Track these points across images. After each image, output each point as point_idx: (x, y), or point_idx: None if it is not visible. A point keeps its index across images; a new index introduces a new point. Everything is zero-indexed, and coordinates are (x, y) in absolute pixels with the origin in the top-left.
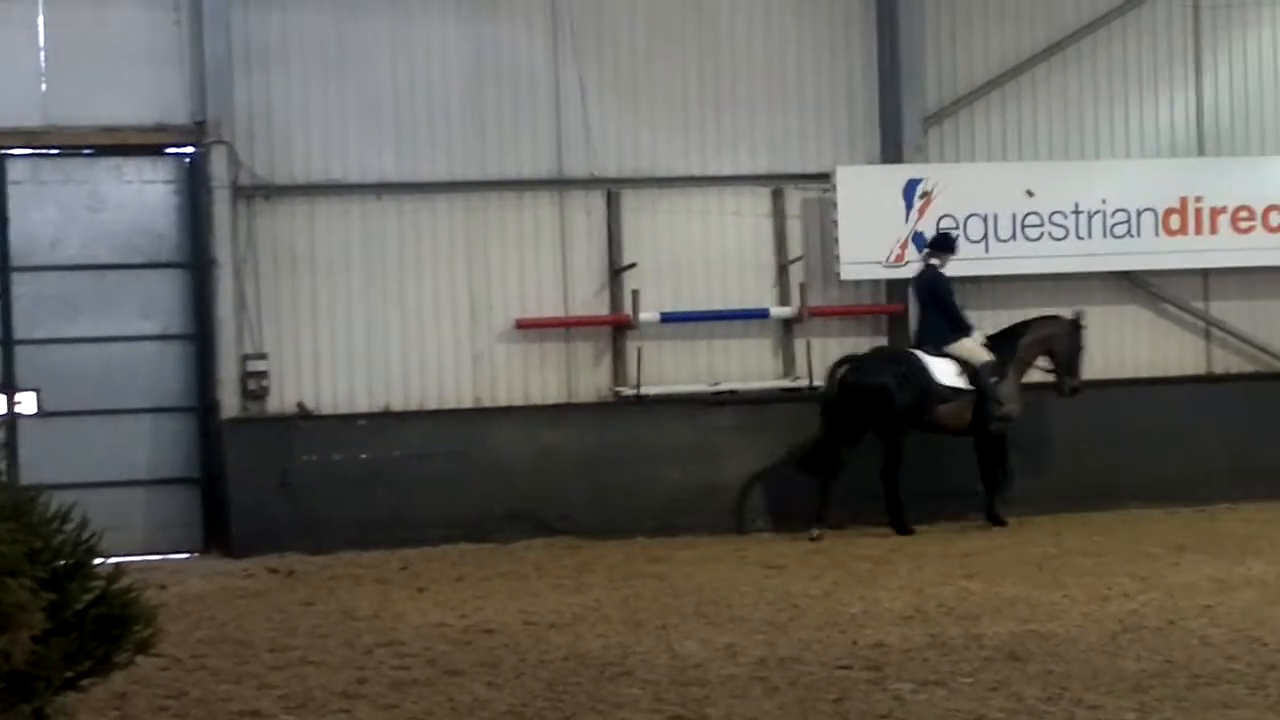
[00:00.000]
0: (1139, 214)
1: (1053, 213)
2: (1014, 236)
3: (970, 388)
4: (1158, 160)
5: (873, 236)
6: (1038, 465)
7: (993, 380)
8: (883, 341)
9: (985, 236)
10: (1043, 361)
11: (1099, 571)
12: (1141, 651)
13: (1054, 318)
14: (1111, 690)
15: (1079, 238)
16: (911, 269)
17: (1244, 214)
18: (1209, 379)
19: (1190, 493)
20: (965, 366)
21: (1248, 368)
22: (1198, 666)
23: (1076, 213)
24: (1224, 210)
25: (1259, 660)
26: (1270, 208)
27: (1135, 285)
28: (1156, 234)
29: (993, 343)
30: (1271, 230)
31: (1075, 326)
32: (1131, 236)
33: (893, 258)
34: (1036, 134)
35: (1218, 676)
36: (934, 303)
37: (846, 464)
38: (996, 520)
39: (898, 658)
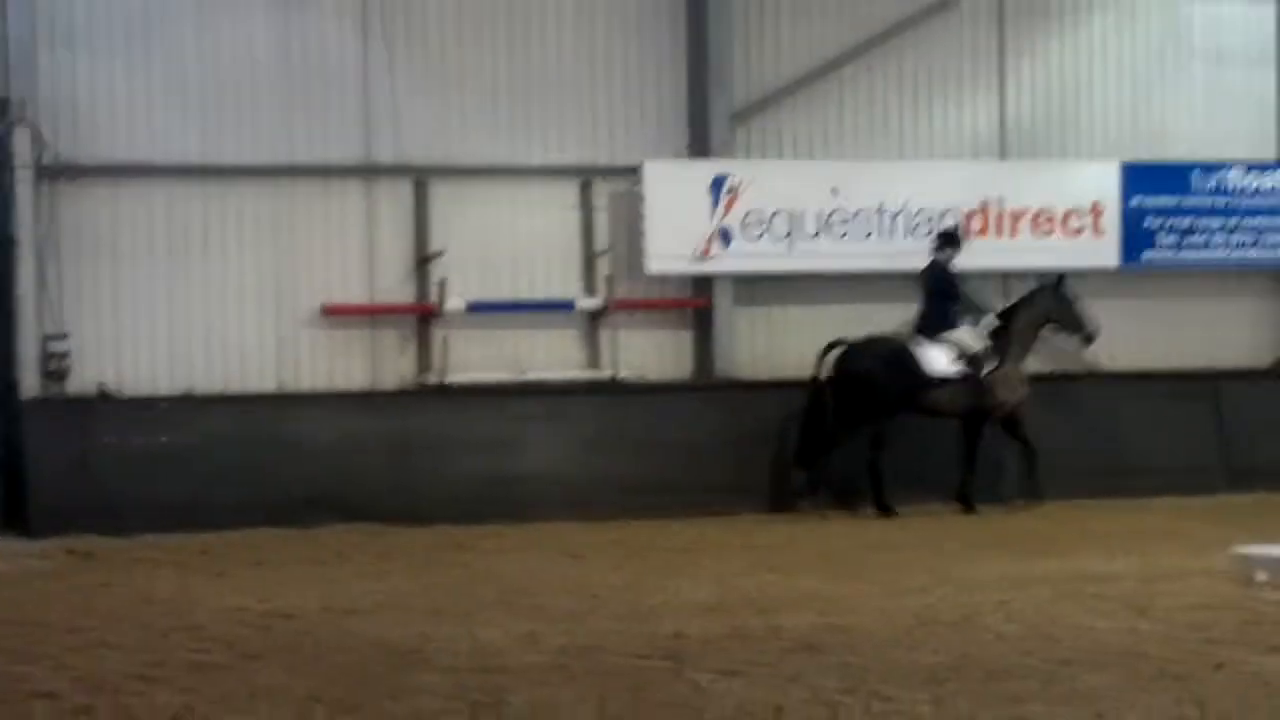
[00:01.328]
0: (942, 215)
1: (857, 211)
2: (819, 234)
3: (965, 374)
4: (961, 162)
5: (680, 231)
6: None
7: (990, 367)
8: (687, 335)
9: (790, 234)
10: (1049, 331)
11: (896, 566)
12: (937, 645)
13: (1038, 290)
14: (907, 683)
15: (883, 237)
16: (718, 263)
17: (1044, 217)
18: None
19: (989, 491)
20: (960, 353)
21: (1057, 368)
22: (992, 661)
23: (880, 212)
24: (1024, 213)
25: (1051, 655)
26: (1070, 211)
27: None
28: None
29: (992, 331)
30: (1070, 234)
31: (1058, 288)
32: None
33: (699, 252)
34: (843, 133)
35: (1011, 671)
36: (937, 294)
37: (842, 445)
38: (968, 504)
39: (697, 648)
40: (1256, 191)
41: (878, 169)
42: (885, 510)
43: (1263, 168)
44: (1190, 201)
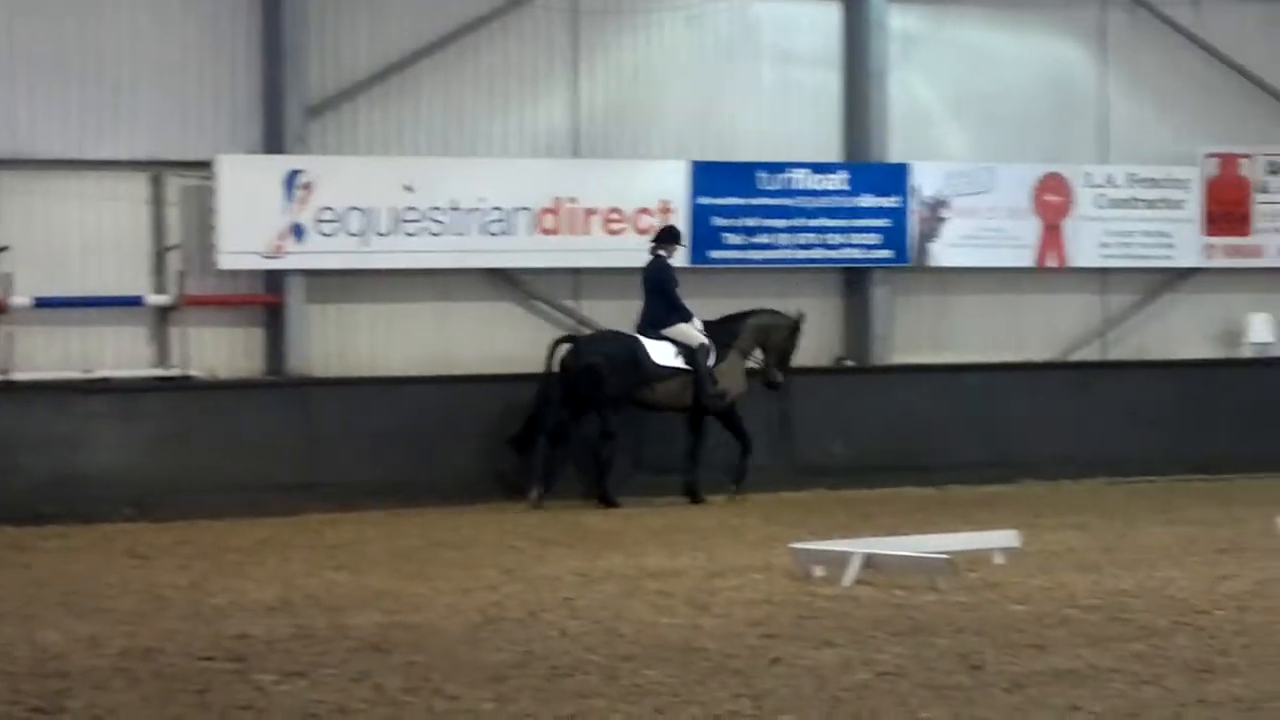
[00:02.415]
0: (515, 212)
1: (431, 208)
2: (393, 231)
3: (686, 368)
4: (534, 160)
5: (253, 227)
6: (430, 461)
7: (710, 362)
8: (259, 332)
9: (364, 230)
10: (757, 351)
11: (465, 564)
12: (502, 643)
13: (776, 312)
14: (472, 681)
15: (456, 234)
16: (290, 260)
17: (615, 216)
18: None
19: (561, 488)
20: (682, 348)
21: None
22: (556, 658)
23: (454, 209)
24: (596, 211)
25: (615, 651)
26: (640, 210)
27: (509, 283)
28: (531, 233)
29: (713, 328)
30: (641, 232)
31: (794, 327)
32: (507, 234)
33: (272, 248)
34: (418, 130)
35: (575, 667)
36: (657, 290)
37: (571, 437)
38: (696, 496)
39: (262, 649)
40: (820, 192)
41: (452, 166)
42: (608, 502)
43: (826, 169)
44: (756, 201)
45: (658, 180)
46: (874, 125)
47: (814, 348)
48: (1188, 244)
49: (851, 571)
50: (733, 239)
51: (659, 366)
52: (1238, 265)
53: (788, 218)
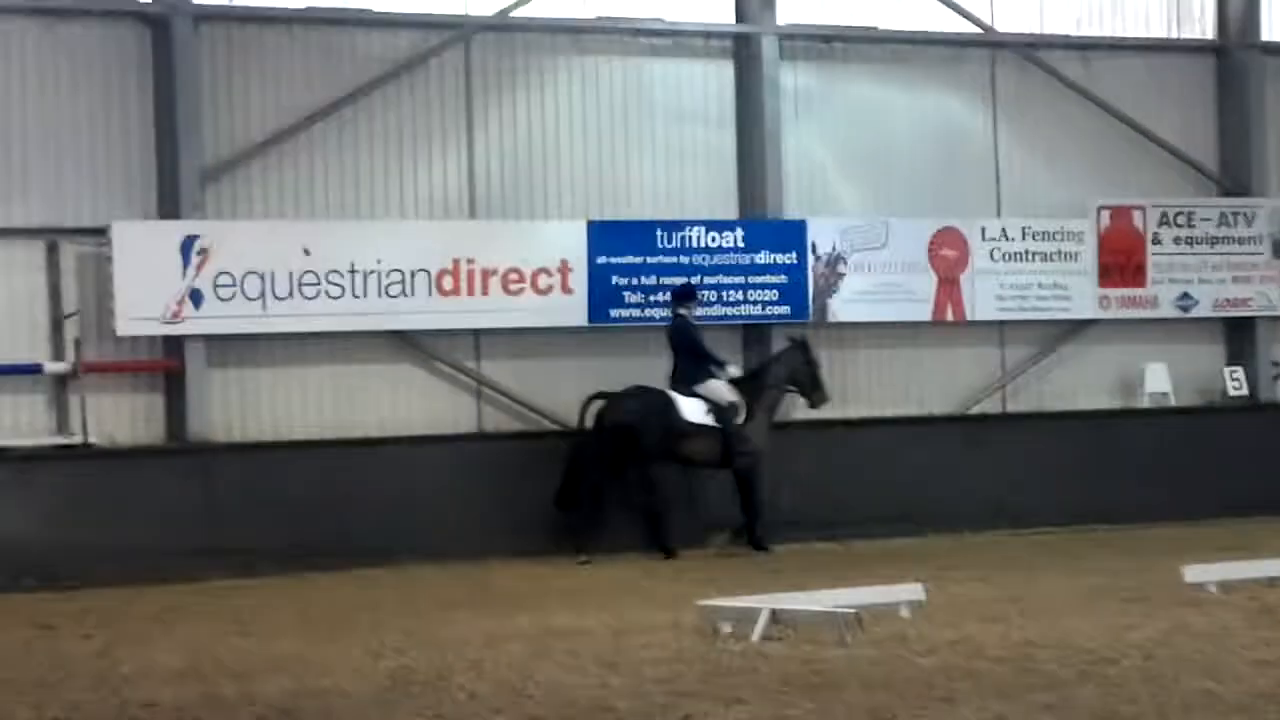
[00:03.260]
0: (413, 274)
1: (329, 271)
2: (291, 295)
3: (717, 425)
4: (432, 222)
5: (150, 292)
6: (334, 525)
7: (738, 420)
8: (159, 398)
9: (263, 294)
10: (792, 388)
11: (371, 628)
12: (412, 707)
13: (786, 350)
14: None
15: (355, 296)
16: (189, 325)
17: (514, 276)
18: (480, 437)
19: (463, 548)
20: (712, 405)
21: (516, 426)
22: None
23: (352, 272)
24: (495, 272)
25: (524, 713)
26: (539, 271)
27: (410, 345)
28: (430, 294)
29: (740, 385)
30: (540, 292)
31: (804, 349)
32: (406, 296)
33: (170, 314)
34: (314, 193)
35: None
36: (684, 349)
37: (604, 495)
38: (760, 546)
39: (170, 716)
40: (718, 249)
41: (349, 228)
42: (668, 551)
43: (723, 226)
44: (655, 259)
45: (556, 240)
46: (769, 182)
47: None
48: (1083, 296)
49: (759, 627)
50: (632, 297)
51: (689, 423)
52: (1133, 316)
53: (686, 275)
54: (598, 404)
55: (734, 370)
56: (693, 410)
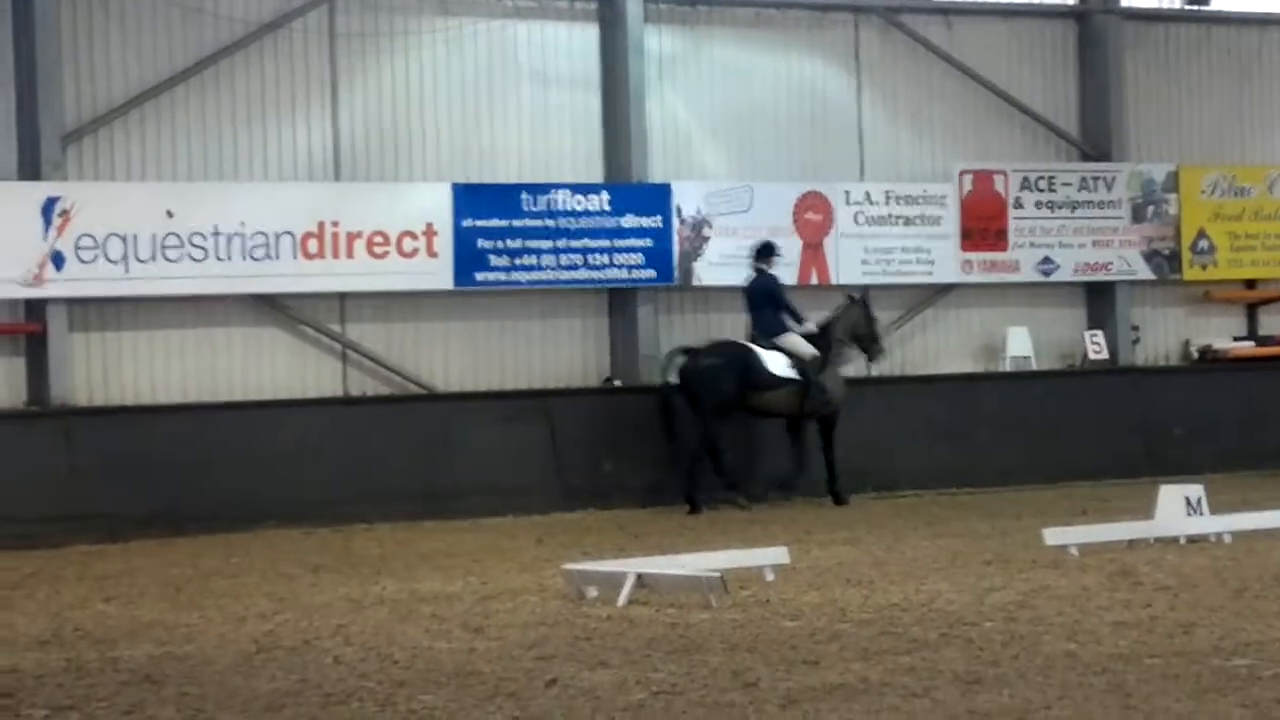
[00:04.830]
0: (278, 237)
1: (193, 234)
2: (154, 257)
3: (799, 377)
4: (296, 184)
5: (10, 255)
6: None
7: (819, 372)
8: (20, 361)
9: (125, 257)
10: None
11: (236, 593)
12: (276, 672)
13: (848, 306)
14: (245, 711)
15: (219, 259)
16: (50, 288)
17: (379, 239)
18: (346, 400)
19: (328, 513)
20: (794, 359)
21: (383, 389)
22: (330, 685)
23: (216, 234)
24: (360, 235)
25: (389, 677)
26: (405, 233)
27: (274, 308)
28: (295, 257)
29: (812, 340)
30: (405, 255)
31: (864, 305)
32: (270, 259)
33: (30, 276)
34: (177, 154)
35: (350, 694)
36: (767, 303)
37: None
38: (840, 498)
39: (32, 684)
40: (583, 213)
41: (213, 190)
42: (693, 506)
43: (589, 189)
44: (520, 223)
45: (421, 203)
46: (635, 146)
47: (580, 367)
48: (946, 260)
49: (625, 591)
50: (498, 260)
51: (772, 375)
52: (995, 280)
53: (551, 239)
54: (680, 358)
55: (810, 326)
56: (775, 363)
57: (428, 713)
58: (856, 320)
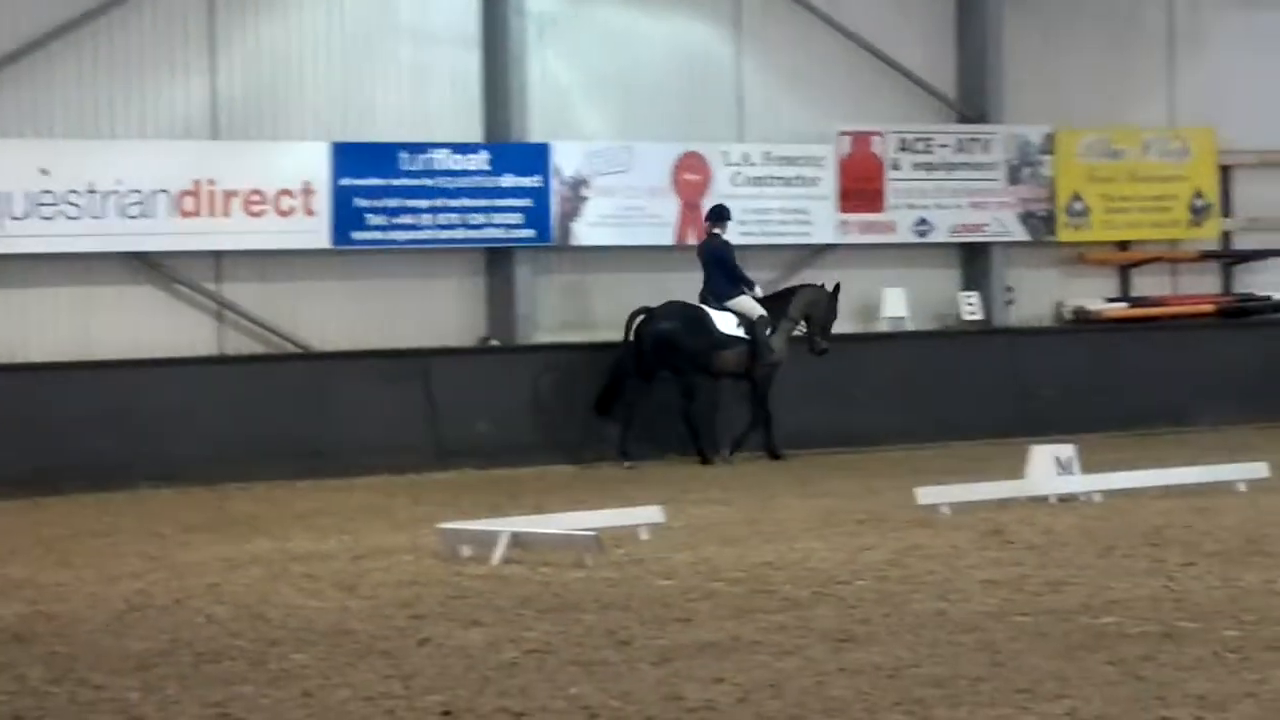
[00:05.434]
0: (153, 195)
1: (67, 192)
2: (29, 215)
3: (746, 337)
4: (173, 142)
5: None
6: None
7: (766, 332)
8: None
9: None
10: (801, 323)
11: (109, 552)
12: (147, 631)
13: (817, 287)
14: (116, 670)
15: (94, 217)
16: None
17: (256, 198)
18: (221, 360)
19: (203, 473)
20: (743, 319)
21: (259, 349)
22: (202, 644)
23: (91, 192)
24: (236, 193)
25: (261, 636)
26: (282, 192)
27: (150, 266)
28: (171, 215)
29: (764, 303)
30: (282, 214)
31: (833, 296)
32: (146, 217)
33: None
34: (52, 112)
35: (222, 653)
36: (717, 264)
37: (640, 403)
38: (775, 454)
39: None
40: (462, 172)
41: (88, 148)
42: (705, 458)
43: (467, 149)
44: (399, 182)
45: (298, 161)
46: (514, 105)
47: (458, 327)
48: (824, 221)
49: (499, 550)
50: (375, 220)
51: (724, 335)
52: (872, 241)
53: (430, 198)
54: (640, 318)
55: (759, 291)
56: (726, 323)
57: (299, 671)
58: (815, 302)
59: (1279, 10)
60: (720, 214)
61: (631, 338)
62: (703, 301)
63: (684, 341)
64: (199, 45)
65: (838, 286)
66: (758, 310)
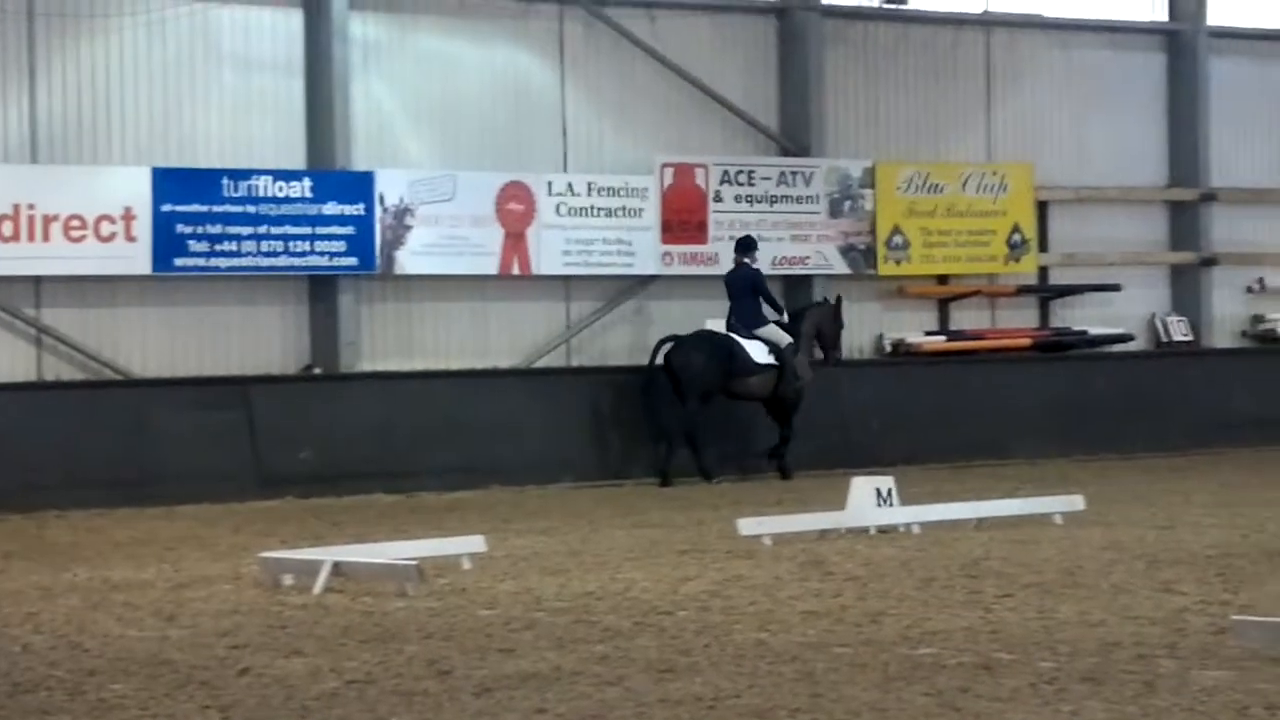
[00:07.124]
0: None
1: None
2: None
3: (775, 363)
4: None
5: None
6: None
7: (793, 357)
8: None
9: None
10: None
11: None
12: None
13: (821, 305)
14: None
15: None
16: None
17: (76, 222)
18: (40, 386)
19: (20, 500)
20: (771, 346)
21: (78, 375)
22: (19, 674)
23: None
24: (56, 218)
25: (80, 666)
26: (102, 217)
27: None
28: None
29: (785, 328)
30: (103, 239)
31: (837, 309)
32: None
33: None
34: None
35: (38, 683)
36: (748, 294)
37: (692, 423)
38: (787, 474)
39: None
40: (285, 199)
41: None
42: (708, 475)
43: (290, 176)
44: (221, 208)
45: (119, 187)
46: (338, 133)
47: (281, 355)
48: (647, 252)
49: (321, 579)
50: (197, 246)
51: (754, 363)
52: (695, 273)
53: (253, 225)
54: (668, 345)
55: (785, 318)
56: (756, 351)
57: (118, 702)
58: (823, 319)
59: (1095, 49)
60: (748, 244)
61: (659, 363)
62: (731, 330)
63: (709, 368)
64: (18, 68)
65: (839, 299)
66: (786, 338)
